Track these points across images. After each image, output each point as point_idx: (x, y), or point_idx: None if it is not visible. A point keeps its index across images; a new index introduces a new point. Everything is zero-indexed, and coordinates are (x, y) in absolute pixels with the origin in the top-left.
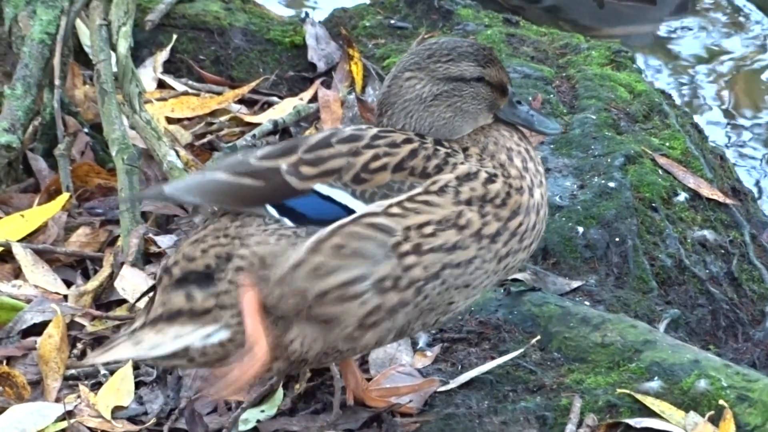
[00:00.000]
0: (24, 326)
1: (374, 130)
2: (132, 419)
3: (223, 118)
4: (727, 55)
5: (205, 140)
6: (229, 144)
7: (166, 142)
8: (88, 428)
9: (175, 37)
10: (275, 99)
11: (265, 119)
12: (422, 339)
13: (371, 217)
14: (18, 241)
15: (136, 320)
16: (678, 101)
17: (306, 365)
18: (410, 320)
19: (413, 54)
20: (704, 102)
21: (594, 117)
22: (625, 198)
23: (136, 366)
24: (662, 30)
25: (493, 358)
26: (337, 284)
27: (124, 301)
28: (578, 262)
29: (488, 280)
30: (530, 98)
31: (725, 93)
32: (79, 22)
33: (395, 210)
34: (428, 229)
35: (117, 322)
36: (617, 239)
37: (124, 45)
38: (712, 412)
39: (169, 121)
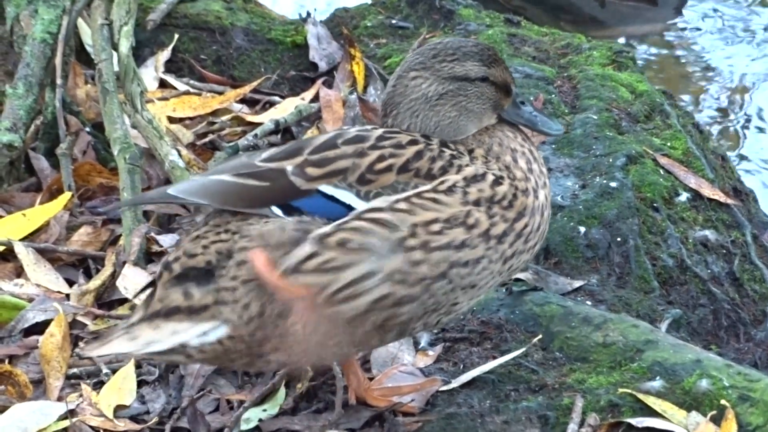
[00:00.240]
0: (26, 325)
1: (379, 131)
2: (134, 418)
3: (224, 118)
4: (728, 54)
5: (206, 140)
6: (231, 144)
7: (167, 142)
8: (90, 427)
9: (176, 36)
10: (277, 99)
11: (266, 119)
12: (424, 338)
13: (375, 213)
14: (20, 240)
15: (133, 314)
16: (679, 101)
17: (305, 357)
18: (412, 318)
19: (418, 54)
20: (706, 102)
21: (595, 117)
22: (627, 198)
23: (138, 365)
24: (663, 30)
25: (494, 358)
26: (347, 281)
27: (125, 300)
28: (580, 262)
29: (493, 281)
30: (532, 98)
31: (726, 93)
32: (80, 22)
33: (402, 206)
34: (436, 227)
35: (119, 321)
36: (619, 239)
37: (125, 44)
38: (714, 412)
39: (171, 120)
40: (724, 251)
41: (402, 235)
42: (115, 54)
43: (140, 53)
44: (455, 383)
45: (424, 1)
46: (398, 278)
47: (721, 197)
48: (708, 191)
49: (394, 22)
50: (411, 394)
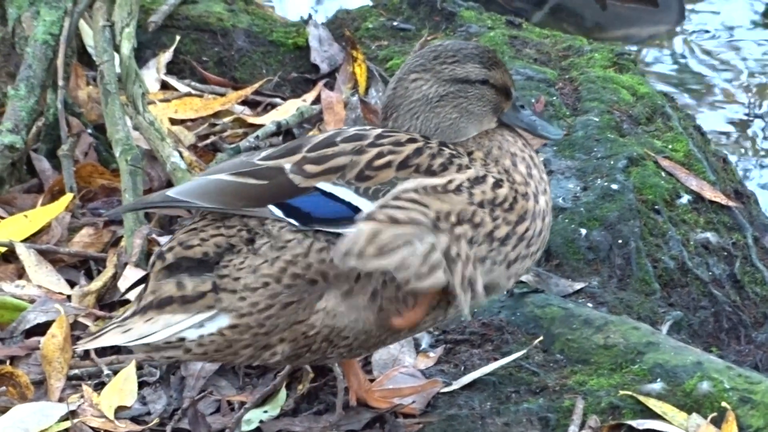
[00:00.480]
0: (27, 326)
1: (378, 130)
2: (135, 419)
3: (226, 120)
4: (729, 57)
5: (208, 141)
6: (233, 145)
7: (169, 143)
8: (91, 428)
9: (178, 38)
10: (278, 100)
11: (268, 120)
12: (425, 340)
13: (408, 193)
14: (21, 241)
15: (129, 307)
16: (681, 104)
17: (309, 352)
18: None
19: (418, 56)
20: (707, 104)
21: (597, 119)
22: (628, 200)
23: (139, 366)
24: (664, 32)
25: (495, 360)
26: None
27: (127, 302)
28: (581, 264)
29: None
30: (533, 100)
31: (728, 95)
32: (82, 23)
33: (421, 192)
34: (453, 218)
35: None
36: (620, 241)
37: (127, 46)
38: (715, 414)
39: (173, 122)
40: (725, 253)
41: (434, 216)
42: (116, 55)
43: (142, 55)
44: (456, 385)
45: (426, 3)
46: (440, 248)
47: (723, 199)
48: (709, 193)
49: (395, 23)
50: (412, 395)
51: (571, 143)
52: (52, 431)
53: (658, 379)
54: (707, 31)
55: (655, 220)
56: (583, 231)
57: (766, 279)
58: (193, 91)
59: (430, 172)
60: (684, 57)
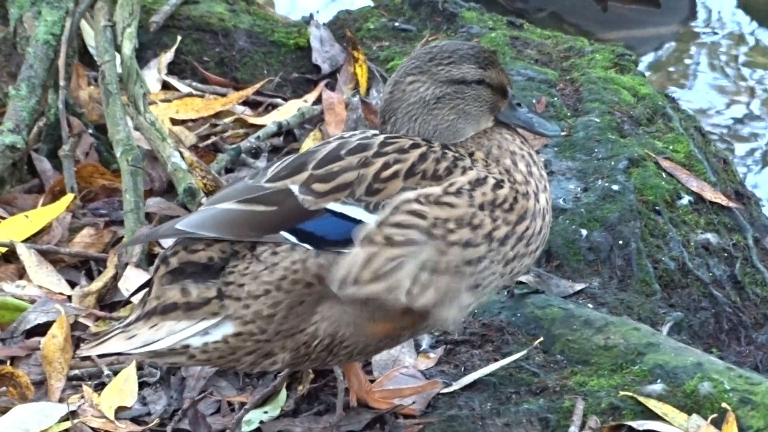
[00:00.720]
0: (28, 326)
1: (381, 138)
2: (135, 420)
3: (227, 120)
4: (730, 58)
5: (209, 141)
6: (233, 146)
7: (170, 144)
8: (92, 428)
9: (179, 38)
10: (279, 101)
11: (269, 121)
12: (425, 341)
13: (409, 204)
14: (22, 241)
15: (131, 313)
16: (681, 105)
17: (309, 361)
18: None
19: (414, 58)
20: (708, 105)
21: (598, 120)
22: (629, 201)
23: (139, 366)
24: (666, 33)
25: (496, 360)
26: (398, 279)
27: (127, 302)
28: (581, 265)
29: (495, 282)
30: (534, 101)
31: (729, 96)
32: (83, 23)
33: (423, 201)
34: (451, 225)
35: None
36: (620, 242)
37: (128, 46)
38: (715, 415)
39: (174, 122)
40: (726, 254)
41: (430, 225)
42: (118, 56)
43: (143, 55)
44: (456, 386)
45: (427, 4)
46: (429, 266)
47: (723, 200)
48: (710, 194)
49: (396, 24)
50: (412, 396)
51: (572, 144)
52: (52, 431)
53: (659, 380)
54: (709, 32)
55: (656, 221)
56: (584, 232)
57: (766, 280)
58: (195, 92)
59: (435, 178)
60: (685, 58)
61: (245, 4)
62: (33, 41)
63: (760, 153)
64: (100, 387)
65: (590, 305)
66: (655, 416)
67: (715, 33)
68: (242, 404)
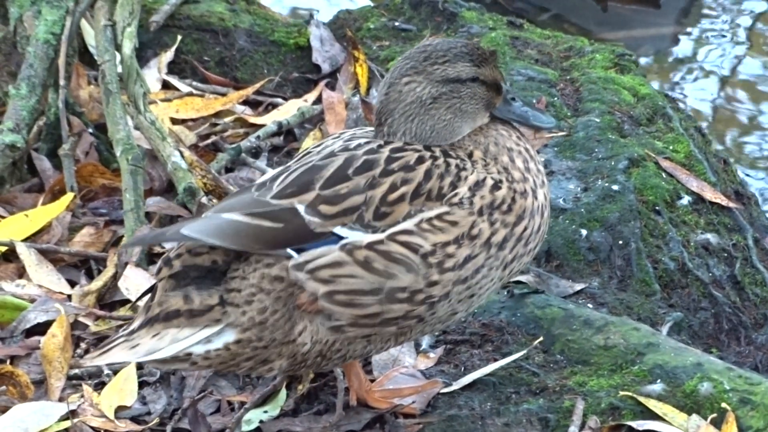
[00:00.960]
0: (28, 325)
1: (386, 152)
2: (135, 419)
3: (227, 119)
4: (730, 58)
5: (209, 141)
6: (233, 145)
7: (170, 143)
8: (91, 428)
9: (179, 38)
10: (279, 100)
11: (269, 120)
12: (425, 341)
13: (404, 235)
14: (22, 240)
15: (134, 320)
16: (681, 105)
17: (305, 367)
18: (412, 329)
19: (408, 58)
20: (708, 105)
21: (598, 120)
22: (629, 201)
23: (139, 366)
24: (666, 33)
25: (495, 360)
26: (349, 290)
27: (127, 301)
28: (581, 265)
29: (493, 286)
30: (534, 101)
31: (729, 96)
32: (84, 23)
33: (425, 226)
34: (451, 249)
35: (120, 322)
36: (620, 242)
37: (128, 45)
38: (715, 415)
39: (174, 121)
40: (726, 255)
41: (424, 252)
42: (118, 55)
43: (143, 54)
44: (456, 385)
45: (427, 4)
46: (403, 297)
47: (723, 201)
48: (710, 195)
49: (397, 24)
50: (412, 396)
51: (572, 144)
52: (52, 431)
53: (658, 380)
54: (709, 32)
55: (656, 221)
56: (584, 232)
57: (766, 280)
58: (195, 91)
59: (440, 197)
60: (685, 58)
61: (245, 4)
62: (33, 40)
63: (760, 153)
64: (100, 386)
65: (590, 305)
66: (655, 416)
67: (715, 33)
68: (242, 404)
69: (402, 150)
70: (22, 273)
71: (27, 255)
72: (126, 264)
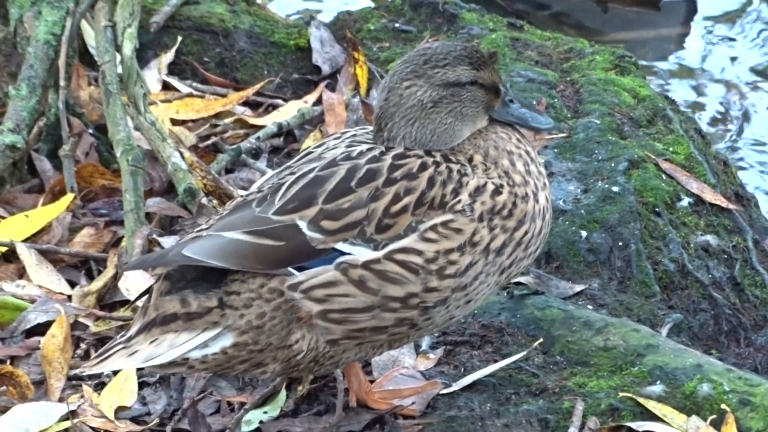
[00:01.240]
0: (28, 326)
1: (389, 159)
2: (135, 419)
3: (227, 120)
4: (730, 60)
5: (209, 142)
6: (234, 146)
7: (170, 144)
8: (91, 428)
9: (179, 39)
10: (280, 101)
11: (269, 122)
12: (425, 342)
13: (401, 254)
14: (22, 241)
15: (131, 325)
16: (682, 106)
17: (297, 371)
18: (409, 335)
19: (407, 62)
20: (708, 107)
21: (598, 121)
22: (629, 202)
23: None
24: (666, 35)
25: (495, 361)
26: (343, 308)
27: (127, 302)
28: (581, 266)
29: (489, 291)
30: (534, 102)
31: (729, 98)
32: (84, 24)
33: (427, 235)
34: (454, 256)
35: (120, 323)
36: (620, 243)
37: (129, 46)
38: (714, 416)
39: (174, 122)
40: (726, 256)
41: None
42: (118, 56)
43: (143, 55)
44: (456, 386)
45: (427, 5)
46: (396, 306)
47: (723, 202)
48: (710, 196)
49: (397, 25)
50: (412, 397)
51: (572, 145)
52: (52, 431)
53: (658, 382)
54: (709, 34)
55: (656, 223)
56: (584, 233)
57: (766, 282)
58: (195, 92)
59: (442, 205)
60: (685, 60)
61: (246, 5)
62: (33, 41)
63: (760, 155)
64: (99, 387)
65: (590, 306)
66: (655, 417)
67: (715, 34)
68: (242, 404)
69: (404, 157)
70: (22, 273)
71: (27, 255)
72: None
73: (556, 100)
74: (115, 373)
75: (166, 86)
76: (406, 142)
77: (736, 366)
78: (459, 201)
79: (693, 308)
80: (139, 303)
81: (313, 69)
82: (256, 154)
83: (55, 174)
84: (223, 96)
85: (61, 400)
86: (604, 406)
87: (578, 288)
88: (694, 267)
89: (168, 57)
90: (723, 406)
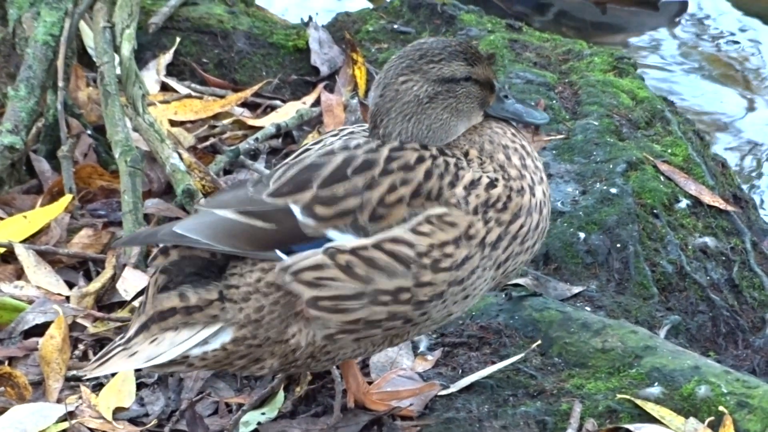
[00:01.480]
0: (26, 327)
1: (386, 151)
2: (133, 420)
3: (226, 121)
4: (729, 61)
5: (207, 143)
6: (232, 147)
7: (169, 145)
8: (89, 429)
9: (178, 40)
10: (278, 102)
11: (267, 123)
12: (423, 343)
13: (391, 244)
14: (21, 242)
15: (130, 326)
16: (680, 108)
17: (295, 367)
18: (408, 332)
19: (402, 57)
20: (706, 109)
21: (596, 123)
22: (627, 204)
23: None
24: (664, 36)
25: (493, 363)
26: (332, 295)
27: (125, 303)
28: (579, 268)
29: (486, 286)
30: (533, 103)
31: (727, 100)
32: (82, 24)
33: (422, 228)
34: (449, 249)
35: (119, 324)
36: (618, 245)
37: (127, 47)
38: (712, 418)
39: (172, 123)
40: (724, 258)
41: (417, 252)
42: (116, 57)
43: (142, 56)
44: (454, 388)
45: (426, 6)
46: (387, 300)
47: (721, 204)
48: (708, 198)
49: (395, 26)
50: (410, 398)
51: (571, 147)
52: None
53: (656, 383)
54: (707, 35)
55: (654, 225)
56: (582, 235)
57: (764, 284)
58: (193, 93)
59: (439, 196)
60: (684, 61)
61: (244, 6)
62: (32, 42)
63: (758, 156)
64: (97, 387)
65: (588, 308)
66: (653, 419)
67: (713, 36)
68: (240, 405)
69: (401, 149)
70: (20, 274)
71: (25, 256)
72: (124, 266)
73: (554, 101)
74: (114, 374)
75: (165, 87)
76: (401, 137)
77: (734, 368)
78: (454, 194)
79: (691, 310)
80: (136, 303)
81: (311, 70)
82: (254, 155)
83: (53, 175)
84: (222, 97)
85: (59, 400)
86: (601, 407)
87: (576, 290)
88: (692, 269)
89: (166, 58)
90: (721, 408)
